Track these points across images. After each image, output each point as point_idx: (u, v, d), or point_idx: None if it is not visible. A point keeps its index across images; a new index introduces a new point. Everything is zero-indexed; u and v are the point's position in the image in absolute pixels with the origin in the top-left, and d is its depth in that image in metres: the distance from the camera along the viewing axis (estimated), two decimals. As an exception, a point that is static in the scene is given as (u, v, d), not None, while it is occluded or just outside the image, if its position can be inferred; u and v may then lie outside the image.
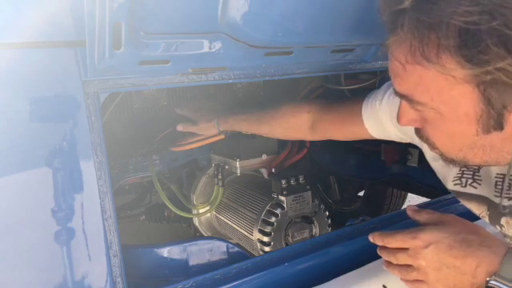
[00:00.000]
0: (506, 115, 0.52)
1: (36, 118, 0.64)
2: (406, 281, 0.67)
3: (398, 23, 0.52)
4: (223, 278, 0.83)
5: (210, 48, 0.71)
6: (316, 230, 1.29)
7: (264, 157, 1.34)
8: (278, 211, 1.22)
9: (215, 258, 1.08)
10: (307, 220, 1.27)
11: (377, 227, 1.03)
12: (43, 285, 0.68)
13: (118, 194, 1.45)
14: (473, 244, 0.61)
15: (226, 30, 0.68)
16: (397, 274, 0.68)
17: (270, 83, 1.53)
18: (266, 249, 1.22)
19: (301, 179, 1.25)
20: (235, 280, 0.82)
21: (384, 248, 0.69)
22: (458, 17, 0.46)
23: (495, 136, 0.55)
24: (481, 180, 0.72)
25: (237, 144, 1.31)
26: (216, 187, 1.43)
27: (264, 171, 1.37)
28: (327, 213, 1.32)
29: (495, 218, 0.69)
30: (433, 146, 0.63)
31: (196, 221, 1.55)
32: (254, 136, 1.21)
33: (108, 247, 0.72)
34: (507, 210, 0.66)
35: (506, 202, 0.66)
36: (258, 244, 1.24)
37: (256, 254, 1.26)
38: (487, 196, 0.70)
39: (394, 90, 0.60)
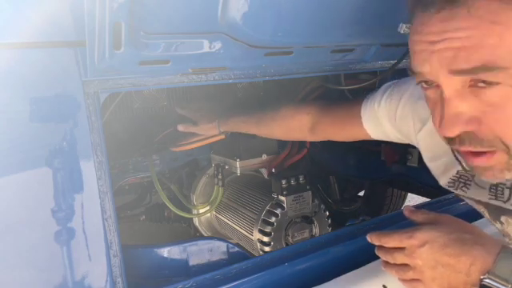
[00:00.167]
0: None
1: (36, 118, 0.64)
2: (403, 280, 0.68)
3: None
4: (223, 278, 0.83)
5: (209, 48, 0.71)
6: (316, 230, 1.29)
7: (264, 157, 1.34)
8: (278, 211, 1.22)
9: (215, 258, 1.08)
10: (307, 220, 1.27)
11: (377, 227, 1.03)
12: (43, 285, 0.68)
13: (117, 194, 1.45)
14: (467, 243, 0.61)
15: (226, 30, 0.68)
16: (394, 273, 0.68)
17: (269, 83, 1.53)
18: (266, 249, 1.22)
19: (301, 179, 1.25)
20: (235, 280, 0.82)
21: (381, 248, 0.70)
22: None
23: None
24: (470, 185, 0.73)
25: (237, 144, 1.31)
26: (216, 187, 1.43)
27: (264, 171, 1.37)
28: (327, 213, 1.32)
29: (495, 214, 0.69)
30: (496, 144, 0.52)
31: (196, 221, 1.55)
32: (254, 136, 1.21)
33: (108, 247, 0.72)
34: (507, 210, 0.66)
35: (503, 205, 0.66)
36: (258, 244, 1.24)
37: (256, 254, 1.26)
38: (478, 198, 0.71)
39: (456, 71, 0.49)
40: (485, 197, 0.69)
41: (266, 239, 1.21)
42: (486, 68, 0.47)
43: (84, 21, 0.56)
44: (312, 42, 0.82)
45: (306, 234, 1.27)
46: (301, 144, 1.38)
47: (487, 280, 0.57)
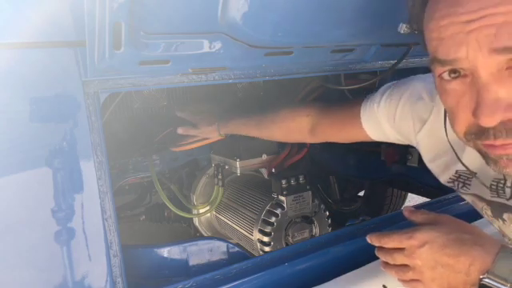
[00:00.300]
0: None
1: (36, 118, 0.64)
2: (403, 281, 0.68)
3: None
4: (223, 278, 0.83)
5: (209, 48, 0.71)
6: (316, 230, 1.29)
7: (264, 157, 1.34)
8: (278, 211, 1.22)
9: (215, 258, 1.08)
10: (307, 220, 1.27)
11: (377, 227, 1.03)
12: (43, 285, 0.68)
13: (117, 194, 1.45)
14: (466, 243, 0.61)
15: (226, 30, 0.68)
16: (394, 274, 0.68)
17: (269, 83, 1.53)
18: (266, 249, 1.22)
19: (301, 179, 1.25)
20: (235, 280, 0.82)
21: (381, 249, 0.70)
22: None
23: None
24: (470, 185, 0.73)
25: (237, 144, 1.31)
26: (216, 187, 1.43)
27: (264, 171, 1.37)
28: (327, 213, 1.32)
29: (498, 212, 0.69)
30: None
31: (196, 221, 1.55)
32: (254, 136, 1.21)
33: (108, 247, 0.72)
34: (510, 207, 0.66)
35: (507, 202, 0.66)
36: (258, 244, 1.24)
37: (256, 254, 1.26)
38: (480, 195, 0.71)
39: (498, 49, 0.46)
40: (487, 194, 0.69)
41: (266, 239, 1.21)
42: None
43: (84, 21, 0.56)
44: (312, 42, 0.82)
45: (306, 234, 1.27)
46: (301, 144, 1.38)
47: (486, 280, 0.57)
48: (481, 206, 0.72)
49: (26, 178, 0.64)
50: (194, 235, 1.58)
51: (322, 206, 1.32)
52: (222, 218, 1.46)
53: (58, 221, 0.67)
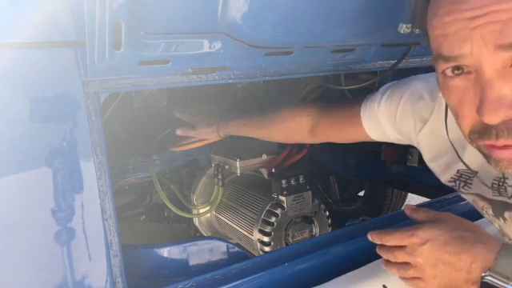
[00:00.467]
0: None
1: (36, 118, 0.64)
2: (404, 278, 0.68)
3: None
4: (223, 278, 0.83)
5: (209, 48, 0.71)
6: (316, 230, 1.29)
7: (264, 157, 1.34)
8: (278, 211, 1.22)
9: (215, 258, 1.08)
10: (307, 220, 1.27)
11: (377, 227, 1.03)
12: (43, 285, 0.68)
13: (117, 194, 1.45)
14: (468, 241, 0.61)
15: (226, 30, 0.68)
16: (395, 272, 0.68)
17: (269, 83, 1.53)
18: (266, 249, 1.22)
19: (301, 179, 1.25)
20: (235, 280, 0.82)
21: (382, 246, 0.70)
22: None
23: None
24: (471, 184, 0.73)
25: (237, 144, 1.31)
26: (216, 187, 1.43)
27: (264, 171, 1.37)
28: (327, 213, 1.32)
29: (500, 210, 0.69)
30: None
31: (196, 221, 1.55)
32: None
33: (108, 247, 0.72)
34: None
35: (508, 200, 0.66)
36: (258, 244, 1.24)
37: (256, 254, 1.26)
38: (482, 194, 0.71)
39: (504, 45, 0.46)
40: (488, 194, 0.69)
41: (266, 239, 1.21)
42: None
43: (84, 21, 0.56)
44: (312, 41, 0.82)
45: (306, 234, 1.27)
46: (301, 144, 1.38)
47: (488, 277, 0.57)
48: (482, 206, 0.72)
49: (26, 178, 0.64)
50: (194, 235, 1.58)
51: (322, 205, 1.32)
52: (222, 218, 1.46)
53: (58, 221, 0.67)
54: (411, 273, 0.66)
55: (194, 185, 1.51)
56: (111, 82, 0.71)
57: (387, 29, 0.79)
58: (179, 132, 1.26)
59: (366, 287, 0.83)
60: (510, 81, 0.47)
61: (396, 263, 0.68)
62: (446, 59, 0.51)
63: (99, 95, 0.70)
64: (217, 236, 1.46)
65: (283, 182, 1.22)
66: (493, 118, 0.48)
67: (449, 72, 0.52)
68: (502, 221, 0.69)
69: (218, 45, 0.71)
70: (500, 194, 0.67)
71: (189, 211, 1.46)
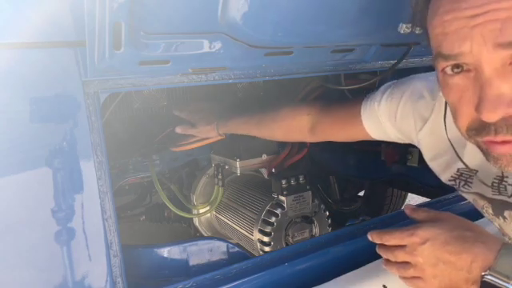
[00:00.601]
0: None
1: (36, 118, 0.64)
2: (404, 278, 0.68)
3: None
4: (223, 278, 0.83)
5: (209, 48, 0.71)
6: (316, 230, 1.29)
7: (264, 157, 1.34)
8: (278, 211, 1.22)
9: (215, 258, 1.08)
10: (307, 220, 1.27)
11: (377, 227, 1.02)
12: (43, 285, 0.68)
13: (117, 194, 1.45)
14: (468, 240, 0.61)
15: (226, 30, 0.68)
16: (395, 271, 0.68)
17: (269, 83, 1.53)
18: (266, 249, 1.22)
19: (301, 179, 1.25)
20: (235, 280, 0.82)
21: (382, 246, 0.70)
22: None
23: None
24: (472, 183, 0.73)
25: (237, 144, 1.31)
26: (216, 187, 1.43)
27: (264, 171, 1.37)
28: (327, 213, 1.32)
29: (499, 209, 0.69)
30: None
31: (196, 221, 1.55)
32: (253, 136, 1.21)
33: (108, 247, 0.72)
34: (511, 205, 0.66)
35: (508, 199, 0.66)
36: (258, 244, 1.24)
37: (256, 254, 1.26)
38: (482, 193, 0.71)
39: (504, 43, 0.46)
40: (488, 193, 0.69)
41: (266, 239, 1.21)
42: None
43: (84, 21, 0.56)
44: (312, 41, 0.82)
45: (306, 234, 1.27)
46: (301, 144, 1.38)
47: (488, 276, 0.57)
48: (482, 205, 0.72)
49: (26, 178, 0.64)
50: (194, 235, 1.58)
51: (322, 206, 1.32)
52: (222, 218, 1.46)
53: (58, 221, 0.67)
54: (411, 272, 0.66)
55: (194, 185, 1.51)
56: (111, 81, 0.71)
57: (387, 29, 0.79)
58: (179, 130, 1.26)
59: (366, 287, 0.83)
60: (509, 79, 0.48)
61: (396, 263, 0.68)
62: (446, 57, 0.51)
63: (99, 95, 0.70)
64: (217, 236, 1.46)
65: (283, 182, 1.22)
66: (491, 116, 0.49)
67: (448, 70, 0.52)
68: (501, 220, 0.69)
69: (218, 45, 0.71)
70: (500, 193, 0.67)
71: (189, 211, 1.46)
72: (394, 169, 1.65)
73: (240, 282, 0.82)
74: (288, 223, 1.23)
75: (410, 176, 1.61)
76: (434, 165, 0.79)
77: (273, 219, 1.21)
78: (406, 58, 0.94)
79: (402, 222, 1.02)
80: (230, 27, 0.67)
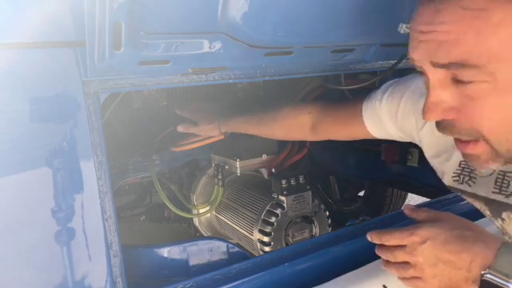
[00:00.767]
0: None
1: (36, 118, 0.64)
2: (403, 279, 0.67)
3: None
4: (223, 278, 0.83)
5: (209, 48, 0.71)
6: (316, 230, 1.29)
7: (264, 157, 1.34)
8: (278, 211, 1.22)
9: (215, 258, 1.08)
10: (307, 220, 1.27)
11: (377, 227, 1.02)
12: (43, 285, 0.68)
13: (117, 194, 1.45)
14: (468, 240, 0.61)
15: (226, 30, 0.68)
16: (394, 272, 0.68)
17: (269, 83, 1.53)
18: (266, 249, 1.22)
19: (301, 179, 1.25)
20: (235, 280, 0.82)
21: (382, 246, 0.70)
22: None
23: None
24: (475, 179, 0.72)
25: (237, 144, 1.31)
26: (216, 187, 1.43)
27: (264, 171, 1.37)
28: (327, 213, 1.32)
29: (497, 211, 0.69)
30: (474, 134, 0.54)
31: (196, 221, 1.55)
32: (253, 136, 1.21)
33: (108, 247, 0.72)
34: (509, 206, 0.66)
35: (505, 200, 0.66)
36: (258, 244, 1.24)
37: (256, 254, 1.26)
38: (481, 194, 0.71)
39: (435, 64, 0.52)
40: (489, 189, 0.69)
41: (266, 239, 1.21)
42: (461, 65, 0.50)
43: (84, 21, 0.56)
44: (312, 42, 0.82)
45: (306, 234, 1.27)
46: (301, 144, 1.38)
47: (488, 275, 0.57)
48: (479, 207, 0.73)
49: (26, 178, 0.64)
50: (194, 235, 1.58)
51: (322, 205, 1.31)
52: (222, 218, 1.46)
53: (58, 221, 0.67)
54: (411, 272, 0.65)
55: (194, 185, 1.51)
56: (111, 81, 0.71)
57: (387, 29, 0.79)
58: (181, 128, 1.25)
59: (366, 287, 0.83)
60: (449, 89, 0.53)
61: (395, 263, 0.68)
62: (410, 59, 0.57)
63: (99, 95, 0.70)
64: (217, 236, 1.46)
65: (283, 182, 1.22)
66: (425, 118, 0.56)
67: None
68: (500, 221, 0.69)
69: (218, 45, 0.71)
70: (500, 191, 0.67)
71: (189, 211, 1.46)
72: (394, 169, 1.65)
73: (240, 281, 0.82)
74: (288, 223, 1.23)
75: (410, 176, 1.61)
76: (435, 162, 0.79)
77: (273, 219, 1.21)
78: (406, 58, 0.94)
79: (402, 222, 1.02)
80: (230, 27, 0.67)
